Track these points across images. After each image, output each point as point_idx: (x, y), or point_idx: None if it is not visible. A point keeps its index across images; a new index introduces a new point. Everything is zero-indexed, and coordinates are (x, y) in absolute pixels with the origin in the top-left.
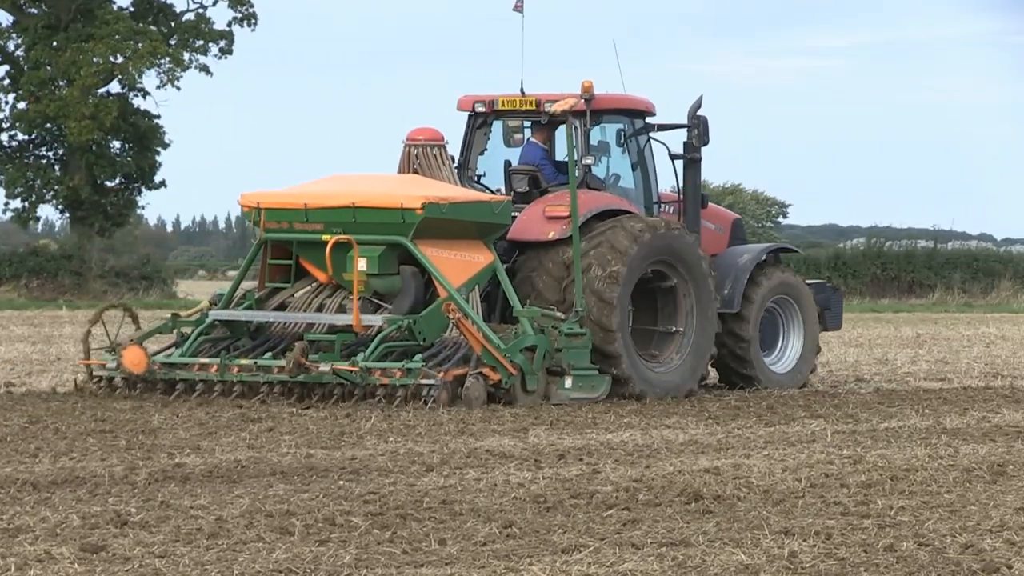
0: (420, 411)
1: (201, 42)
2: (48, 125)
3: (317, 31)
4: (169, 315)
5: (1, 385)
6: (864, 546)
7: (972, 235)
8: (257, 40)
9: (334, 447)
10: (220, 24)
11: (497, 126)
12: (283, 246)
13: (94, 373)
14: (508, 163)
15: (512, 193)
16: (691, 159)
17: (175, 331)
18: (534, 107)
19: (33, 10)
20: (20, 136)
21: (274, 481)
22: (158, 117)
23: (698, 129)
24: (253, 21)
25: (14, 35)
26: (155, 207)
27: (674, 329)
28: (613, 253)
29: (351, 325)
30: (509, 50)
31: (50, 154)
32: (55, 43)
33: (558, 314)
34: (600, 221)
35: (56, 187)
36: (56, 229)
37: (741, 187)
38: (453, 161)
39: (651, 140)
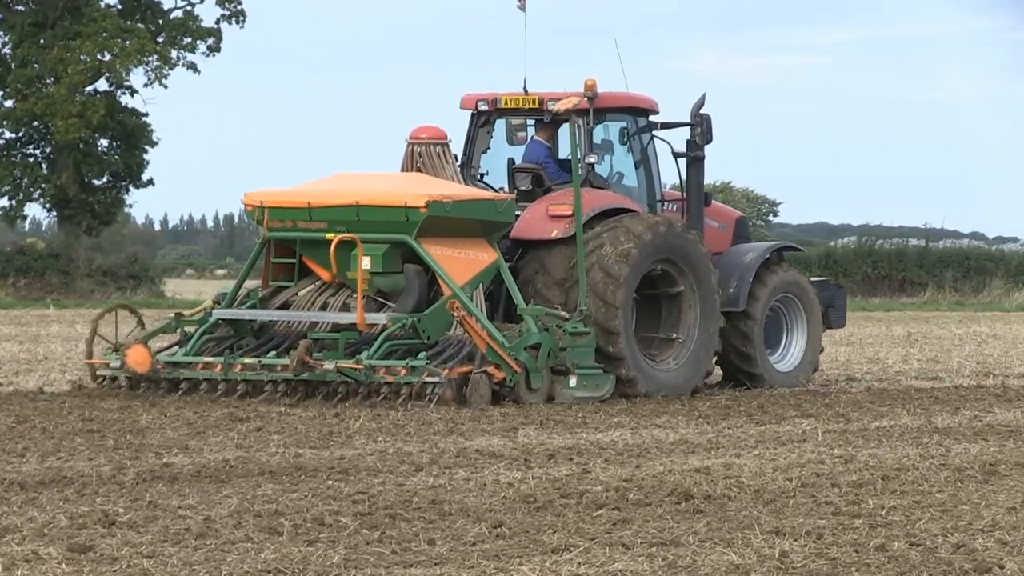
0: (410, 411)
1: (189, 40)
2: (35, 123)
3: (306, 28)
4: (172, 314)
5: None
6: (855, 546)
7: (964, 233)
8: (245, 38)
9: (323, 447)
10: (208, 21)
11: (500, 124)
12: (287, 245)
13: (98, 373)
14: (511, 161)
15: (515, 191)
16: (694, 157)
17: (178, 330)
18: (537, 105)
19: (20, 7)
20: (7, 134)
21: (263, 481)
22: (146, 115)
23: (701, 127)
24: (241, 18)
25: (1, 33)
26: (143, 206)
27: (675, 336)
28: (616, 252)
29: (355, 323)
30: (512, 48)
31: (37, 152)
32: (42, 41)
33: (562, 313)
34: (603, 220)
35: (43, 185)
36: (43, 228)
37: (731, 185)
38: (456, 159)
39: (654, 138)
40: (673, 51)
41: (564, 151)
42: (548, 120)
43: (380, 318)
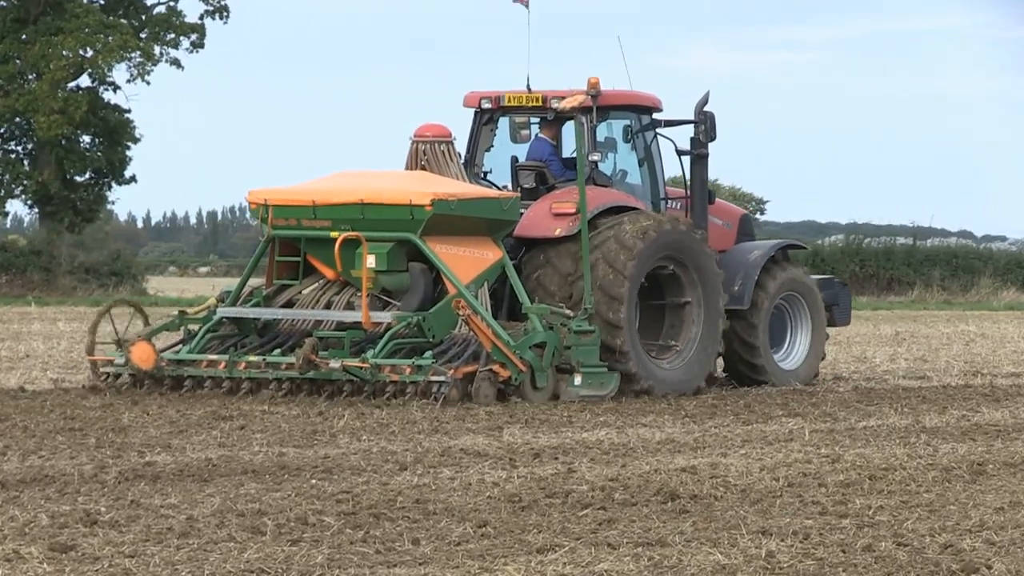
0: (393, 409)
1: (172, 35)
2: (17, 119)
3: (291, 24)
4: (176, 311)
5: None
6: (842, 546)
7: (952, 232)
8: (229, 34)
9: (306, 445)
10: (191, 17)
11: (503, 122)
12: (291, 243)
13: (102, 370)
14: (515, 159)
15: (519, 189)
16: (698, 155)
17: (182, 328)
18: (540, 103)
19: (2, 3)
20: None
21: (246, 480)
22: (128, 111)
23: (705, 125)
24: (225, 14)
25: None
26: (125, 202)
27: (673, 343)
28: (620, 250)
29: (360, 322)
30: (515, 46)
31: (19, 149)
32: (24, 36)
33: (567, 311)
34: (607, 217)
35: (25, 182)
36: (25, 224)
37: (718, 183)
38: (460, 158)
39: (658, 136)
40: (655, 48)
41: (568, 149)
42: (552, 118)
43: (385, 317)
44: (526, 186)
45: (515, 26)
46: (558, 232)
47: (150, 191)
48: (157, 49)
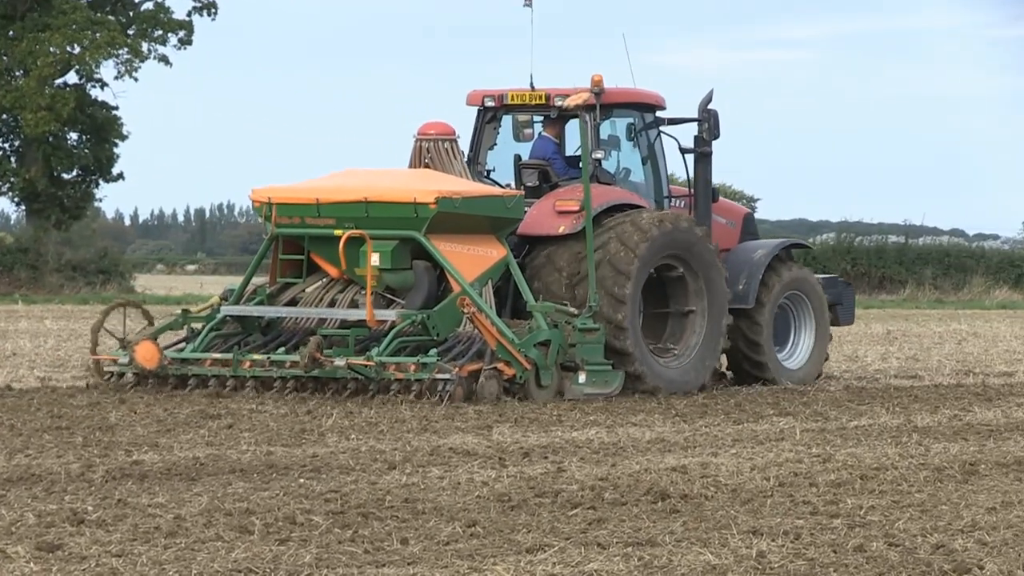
0: (382, 408)
1: (160, 32)
2: (4, 116)
3: (280, 21)
4: (179, 310)
5: None
6: (833, 546)
7: (944, 230)
8: (217, 30)
9: (295, 444)
10: (180, 14)
11: (507, 121)
12: (294, 241)
13: (105, 369)
14: (518, 157)
15: (522, 188)
16: (702, 153)
17: (185, 327)
18: (544, 101)
19: None
20: None
21: (233, 479)
22: (116, 108)
23: (708, 123)
24: (213, 11)
25: None
26: (113, 200)
27: (672, 347)
28: (624, 248)
29: (364, 320)
30: (518, 44)
31: (6, 146)
32: (11, 33)
33: (571, 309)
34: (610, 215)
35: (12, 179)
36: (12, 222)
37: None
38: (464, 156)
39: (661, 134)
40: (651, 47)
41: (571, 147)
42: (555, 116)
43: (390, 314)
44: (529, 184)
45: (518, 25)
46: (562, 230)
47: (138, 188)
48: (145, 46)
